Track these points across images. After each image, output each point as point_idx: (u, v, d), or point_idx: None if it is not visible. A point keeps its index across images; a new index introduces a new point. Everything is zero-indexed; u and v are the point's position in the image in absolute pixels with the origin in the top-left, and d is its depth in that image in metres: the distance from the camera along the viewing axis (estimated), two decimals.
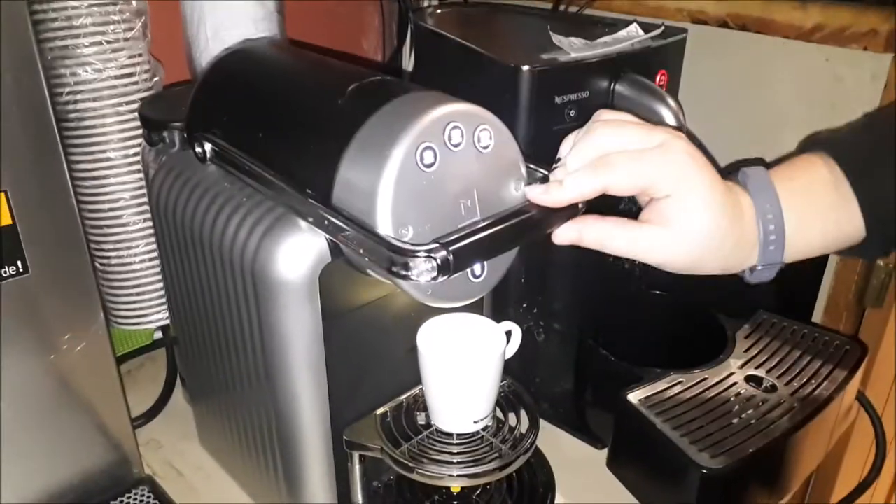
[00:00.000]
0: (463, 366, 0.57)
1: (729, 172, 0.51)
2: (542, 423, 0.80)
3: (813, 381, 0.68)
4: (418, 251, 0.43)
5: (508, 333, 0.61)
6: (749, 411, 0.64)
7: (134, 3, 0.82)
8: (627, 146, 0.47)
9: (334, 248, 0.53)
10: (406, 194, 0.47)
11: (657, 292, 0.82)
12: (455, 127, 0.49)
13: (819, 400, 0.65)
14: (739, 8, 0.81)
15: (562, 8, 0.87)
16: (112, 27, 0.80)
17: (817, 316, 0.84)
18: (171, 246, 0.64)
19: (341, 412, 0.60)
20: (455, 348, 0.60)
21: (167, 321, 0.89)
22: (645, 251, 0.48)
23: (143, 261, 0.88)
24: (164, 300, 0.88)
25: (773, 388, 0.67)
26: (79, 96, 0.81)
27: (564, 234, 0.49)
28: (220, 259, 0.57)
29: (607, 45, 0.69)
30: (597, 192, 0.47)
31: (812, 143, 0.51)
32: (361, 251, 0.46)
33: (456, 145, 0.49)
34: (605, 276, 0.83)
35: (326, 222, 0.48)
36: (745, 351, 0.72)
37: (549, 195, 0.48)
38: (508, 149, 0.52)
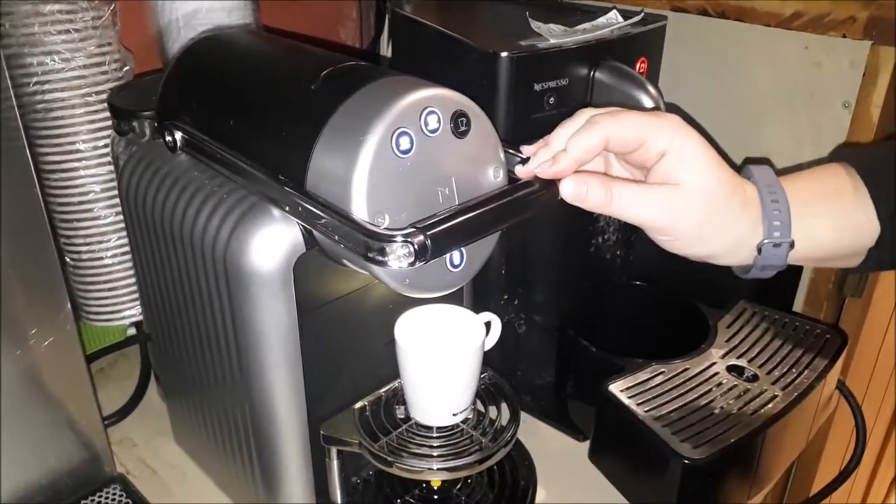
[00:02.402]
0: (441, 357, 0.56)
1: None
2: (524, 415, 0.80)
3: (794, 371, 0.67)
4: (395, 236, 0.42)
5: (488, 325, 0.60)
6: (731, 401, 0.64)
7: None
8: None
9: (308, 238, 0.51)
10: (381, 181, 0.45)
11: (639, 283, 0.82)
12: (431, 112, 0.47)
13: (800, 389, 0.65)
14: None
15: None
16: (80, 14, 0.78)
17: (798, 305, 0.84)
18: (142, 239, 0.62)
19: (318, 407, 0.58)
20: (433, 340, 0.59)
21: (140, 317, 0.87)
22: (649, 211, 0.46)
23: (114, 255, 0.86)
24: (136, 296, 0.86)
25: (755, 378, 0.67)
26: (46, 86, 0.79)
27: (572, 188, 0.47)
28: (192, 251, 0.55)
29: (586, 32, 0.68)
30: (599, 147, 0.46)
31: (835, 156, 0.51)
32: (337, 238, 0.45)
33: (433, 131, 0.48)
34: (586, 268, 0.83)
35: (300, 209, 0.47)
36: (727, 340, 0.72)
37: (556, 165, 0.47)
38: (487, 135, 0.51)
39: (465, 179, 0.50)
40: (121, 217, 0.83)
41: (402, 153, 0.46)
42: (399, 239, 0.42)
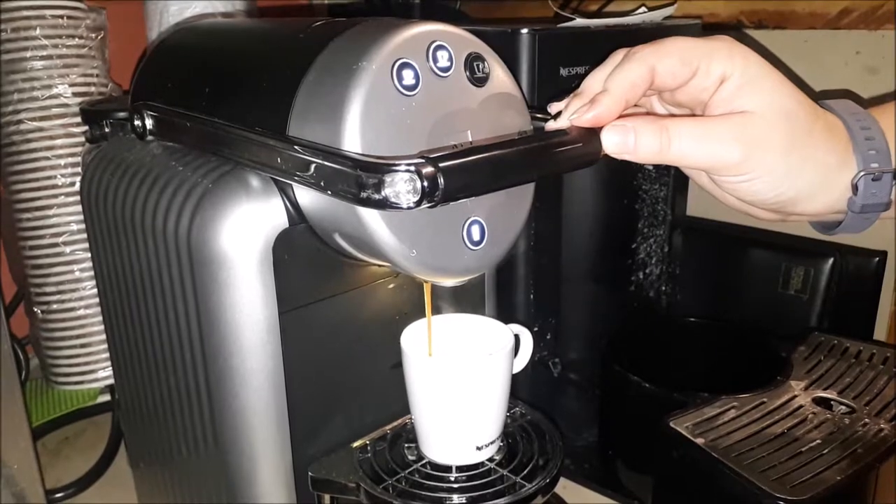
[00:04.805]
0: (462, 371, 0.44)
1: None
2: (564, 481, 0.66)
3: None
4: (397, 164, 0.32)
5: (516, 339, 0.49)
6: (825, 436, 0.51)
7: (91, 16, 0.75)
8: None
9: (293, 212, 0.42)
10: (379, 119, 0.36)
11: (693, 319, 0.70)
12: (441, 47, 0.39)
13: None
14: (754, 3, 0.74)
15: (569, 10, 0.80)
16: (65, 40, 0.73)
17: (879, 336, 0.72)
18: (102, 242, 0.53)
19: (306, 442, 0.46)
20: (450, 350, 0.48)
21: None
22: (718, 147, 0.37)
23: (88, 306, 0.77)
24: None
25: (851, 411, 0.54)
26: (23, 115, 0.72)
27: (617, 138, 0.37)
28: (154, 239, 0.45)
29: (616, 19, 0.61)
30: (645, 80, 0.38)
31: None
32: (323, 184, 0.35)
33: (443, 70, 0.39)
34: (629, 307, 0.72)
35: (279, 160, 0.37)
36: (807, 372, 0.59)
37: (595, 108, 0.38)
38: (508, 88, 0.42)
39: (484, 135, 0.41)
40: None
41: (405, 89, 0.37)
42: (402, 168, 0.32)
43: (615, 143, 0.38)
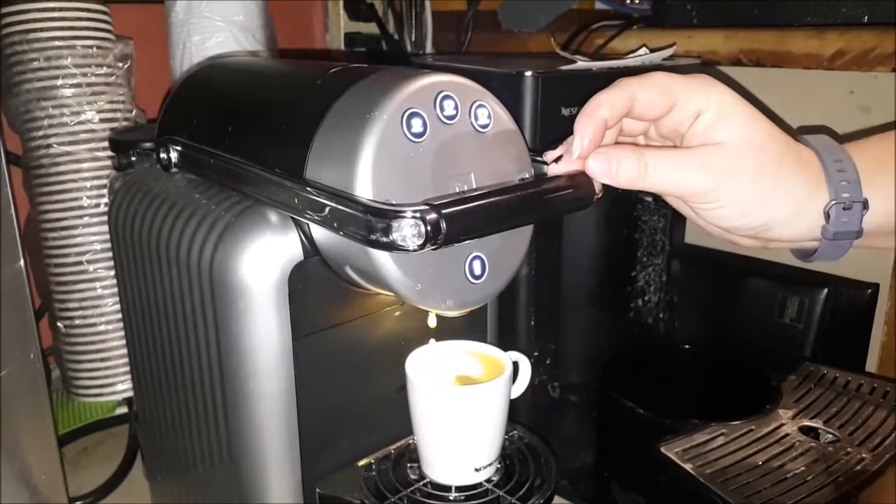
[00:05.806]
0: (461, 397, 0.47)
1: None
2: (561, 501, 0.69)
3: (880, 432, 0.57)
4: (403, 211, 0.35)
5: (515, 366, 0.52)
6: (809, 464, 0.53)
7: (119, 46, 0.79)
8: None
9: (308, 246, 0.45)
10: (390, 164, 0.40)
11: (688, 346, 0.72)
12: (447, 97, 0.42)
13: (892, 451, 0.54)
14: (752, 43, 0.76)
15: (571, 50, 0.84)
16: (93, 69, 0.77)
17: (871, 367, 0.74)
18: (127, 266, 0.56)
19: (315, 459, 0.49)
20: (451, 377, 0.51)
21: (132, 393, 0.79)
22: (688, 175, 0.40)
23: (109, 321, 0.80)
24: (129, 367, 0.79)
25: (836, 440, 0.56)
26: (53, 139, 0.76)
27: (600, 165, 0.41)
28: (177, 267, 0.48)
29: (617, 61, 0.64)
30: (623, 105, 0.41)
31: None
32: (335, 225, 0.38)
33: (449, 118, 0.42)
34: (627, 334, 0.75)
35: (296, 200, 0.41)
36: (795, 401, 0.62)
37: (575, 145, 0.41)
38: (510, 133, 0.45)
39: (486, 177, 0.44)
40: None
41: (413, 136, 0.41)
42: (408, 214, 0.35)
43: (599, 169, 0.41)
